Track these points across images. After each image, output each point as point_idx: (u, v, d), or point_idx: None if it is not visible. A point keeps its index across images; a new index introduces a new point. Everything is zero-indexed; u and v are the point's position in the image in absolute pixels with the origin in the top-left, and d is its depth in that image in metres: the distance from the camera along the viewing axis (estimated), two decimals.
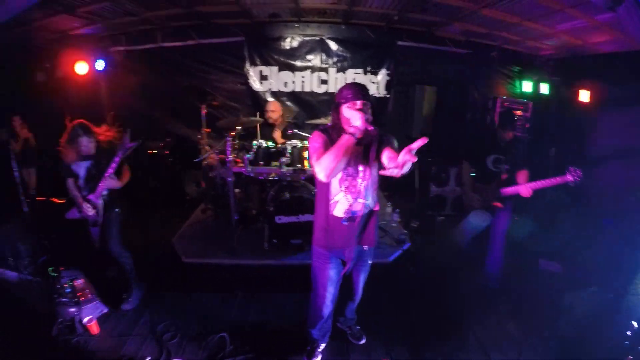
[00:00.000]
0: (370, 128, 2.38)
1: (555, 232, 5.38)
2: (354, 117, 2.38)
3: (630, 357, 2.67)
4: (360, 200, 2.64)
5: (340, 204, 2.65)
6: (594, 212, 5.19)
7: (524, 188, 3.72)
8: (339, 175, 2.59)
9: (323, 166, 2.35)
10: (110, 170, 3.47)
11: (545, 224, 5.78)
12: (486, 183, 4.06)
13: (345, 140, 2.34)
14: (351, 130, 2.35)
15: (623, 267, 4.06)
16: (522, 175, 3.89)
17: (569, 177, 3.49)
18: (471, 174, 4.24)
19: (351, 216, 2.65)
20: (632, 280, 3.42)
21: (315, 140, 2.56)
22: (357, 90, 2.50)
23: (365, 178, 2.61)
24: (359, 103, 2.45)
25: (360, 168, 2.60)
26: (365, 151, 2.58)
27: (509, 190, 3.87)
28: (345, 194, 2.63)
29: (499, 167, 3.96)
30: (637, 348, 2.70)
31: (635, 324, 2.79)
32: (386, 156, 2.46)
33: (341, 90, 2.55)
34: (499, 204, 3.97)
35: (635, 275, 3.40)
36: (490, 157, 4.00)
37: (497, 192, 3.96)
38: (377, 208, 2.77)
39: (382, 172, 2.33)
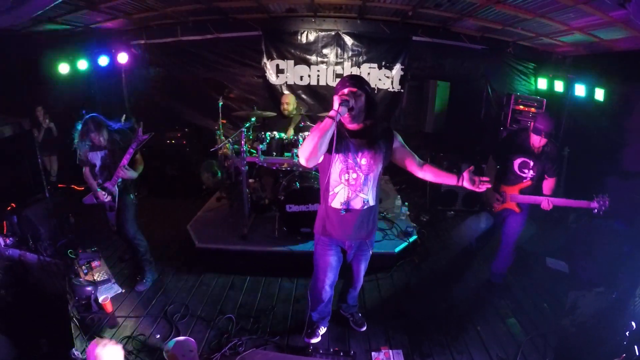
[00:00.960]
0: (338, 109, 2.38)
1: (565, 231, 5.37)
2: (334, 101, 2.44)
3: (624, 355, 2.70)
4: (360, 194, 2.69)
5: (340, 195, 2.70)
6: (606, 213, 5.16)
7: (546, 201, 3.59)
8: (340, 167, 2.64)
9: (302, 149, 2.43)
10: (125, 161, 3.65)
11: (555, 223, 5.77)
12: (509, 185, 3.91)
13: (323, 123, 2.37)
14: (330, 113, 2.38)
15: (632, 269, 4.06)
16: (548, 184, 3.76)
17: (595, 205, 3.36)
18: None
19: (349, 208, 2.70)
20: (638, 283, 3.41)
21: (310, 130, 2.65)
22: (346, 80, 2.55)
23: (365, 172, 2.64)
24: (345, 90, 2.50)
25: (364, 162, 2.62)
26: (367, 144, 2.62)
27: (530, 199, 3.74)
28: (345, 187, 2.67)
29: (525, 172, 3.79)
30: (632, 348, 2.72)
31: (634, 324, 2.82)
32: (403, 159, 2.73)
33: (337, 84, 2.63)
34: (516, 209, 3.88)
35: None
36: (517, 160, 3.81)
37: (515, 197, 3.84)
38: (374, 204, 2.79)
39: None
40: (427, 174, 2.75)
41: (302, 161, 2.45)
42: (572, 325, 3.60)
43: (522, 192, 3.82)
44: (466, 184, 2.63)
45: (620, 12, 4.12)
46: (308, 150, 2.39)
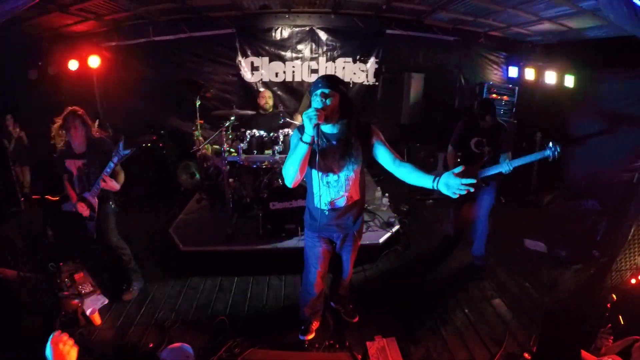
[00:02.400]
0: (321, 121, 2.35)
1: (540, 213, 5.56)
2: (305, 122, 2.36)
3: (610, 324, 2.83)
4: (342, 193, 2.72)
5: (323, 196, 2.72)
6: (579, 193, 5.37)
7: (506, 166, 3.85)
8: (318, 170, 2.64)
9: (285, 175, 2.53)
10: (105, 175, 3.48)
11: (531, 205, 5.97)
12: (470, 165, 4.13)
13: (298, 149, 2.42)
14: (304, 138, 2.39)
15: (607, 245, 4.24)
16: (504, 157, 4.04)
17: (548, 152, 3.62)
18: (458, 158, 4.36)
19: (333, 207, 2.74)
20: (615, 258, 3.57)
21: (291, 141, 2.65)
22: (319, 81, 2.49)
23: (345, 171, 2.65)
24: (319, 92, 2.45)
25: (342, 163, 2.62)
26: (344, 145, 2.59)
27: (492, 169, 3.99)
28: (328, 187, 2.69)
29: (481, 149, 4.10)
30: (616, 318, 2.86)
31: (614, 297, 2.95)
32: (380, 156, 2.59)
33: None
34: (482, 184, 4.11)
35: (619, 252, 3.55)
36: (473, 140, 4.16)
37: (480, 172, 4.08)
38: (358, 197, 2.82)
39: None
40: (403, 172, 2.50)
41: (289, 185, 2.54)
42: (555, 301, 3.75)
43: (483, 167, 4.08)
44: (442, 188, 2.26)
45: (590, 1, 4.27)
46: (292, 176, 2.49)
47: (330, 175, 2.65)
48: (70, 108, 3.52)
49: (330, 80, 2.49)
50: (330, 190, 2.69)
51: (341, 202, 2.74)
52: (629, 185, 4.73)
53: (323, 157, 2.60)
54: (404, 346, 3.24)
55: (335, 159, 2.61)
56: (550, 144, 3.60)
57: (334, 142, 2.60)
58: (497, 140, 4.07)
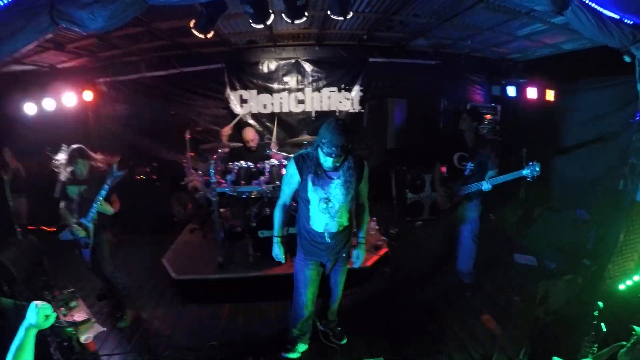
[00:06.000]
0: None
1: (529, 226, 5.58)
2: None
3: (593, 333, 2.83)
4: (335, 219, 2.94)
5: (318, 221, 2.95)
6: (567, 205, 5.41)
7: (485, 184, 3.88)
8: (317, 197, 2.89)
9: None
10: (100, 198, 3.63)
11: (520, 219, 5.98)
12: (454, 180, 4.25)
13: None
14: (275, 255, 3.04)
15: (597, 254, 4.25)
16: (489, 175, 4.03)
17: (525, 172, 3.62)
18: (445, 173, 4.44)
19: (326, 231, 2.96)
20: (605, 266, 3.59)
21: (286, 170, 2.98)
22: (332, 148, 2.66)
23: (340, 201, 2.90)
24: (331, 160, 2.73)
25: (337, 191, 2.87)
26: (342, 177, 2.86)
27: (472, 186, 4.04)
28: (322, 214, 2.91)
29: (463, 165, 4.13)
30: (600, 325, 2.87)
31: (601, 304, 2.97)
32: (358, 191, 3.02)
33: (325, 130, 2.70)
34: (465, 200, 4.17)
35: (608, 261, 3.57)
36: (456, 155, 4.19)
37: (460, 189, 4.16)
38: (347, 224, 3.06)
39: None
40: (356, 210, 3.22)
41: None
42: (547, 314, 3.73)
43: (465, 183, 4.13)
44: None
45: (560, 17, 4.42)
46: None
47: (327, 202, 2.88)
48: (74, 146, 3.76)
49: (344, 150, 2.71)
50: (325, 216, 2.92)
51: (333, 227, 2.96)
52: (616, 192, 4.76)
53: (323, 187, 2.85)
54: None
55: (333, 189, 2.87)
56: (530, 162, 3.62)
57: (334, 178, 2.86)
58: (481, 156, 4.05)
